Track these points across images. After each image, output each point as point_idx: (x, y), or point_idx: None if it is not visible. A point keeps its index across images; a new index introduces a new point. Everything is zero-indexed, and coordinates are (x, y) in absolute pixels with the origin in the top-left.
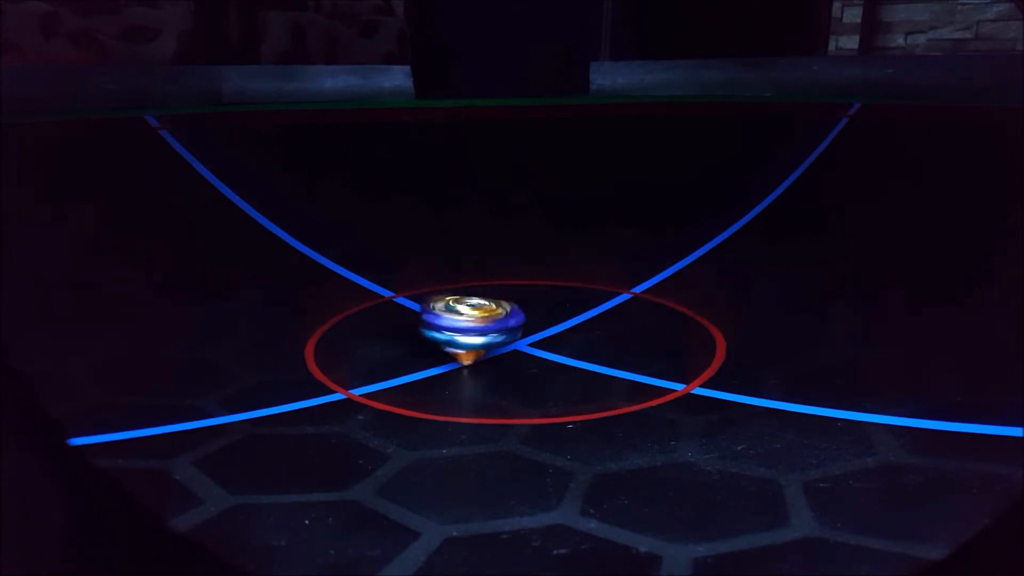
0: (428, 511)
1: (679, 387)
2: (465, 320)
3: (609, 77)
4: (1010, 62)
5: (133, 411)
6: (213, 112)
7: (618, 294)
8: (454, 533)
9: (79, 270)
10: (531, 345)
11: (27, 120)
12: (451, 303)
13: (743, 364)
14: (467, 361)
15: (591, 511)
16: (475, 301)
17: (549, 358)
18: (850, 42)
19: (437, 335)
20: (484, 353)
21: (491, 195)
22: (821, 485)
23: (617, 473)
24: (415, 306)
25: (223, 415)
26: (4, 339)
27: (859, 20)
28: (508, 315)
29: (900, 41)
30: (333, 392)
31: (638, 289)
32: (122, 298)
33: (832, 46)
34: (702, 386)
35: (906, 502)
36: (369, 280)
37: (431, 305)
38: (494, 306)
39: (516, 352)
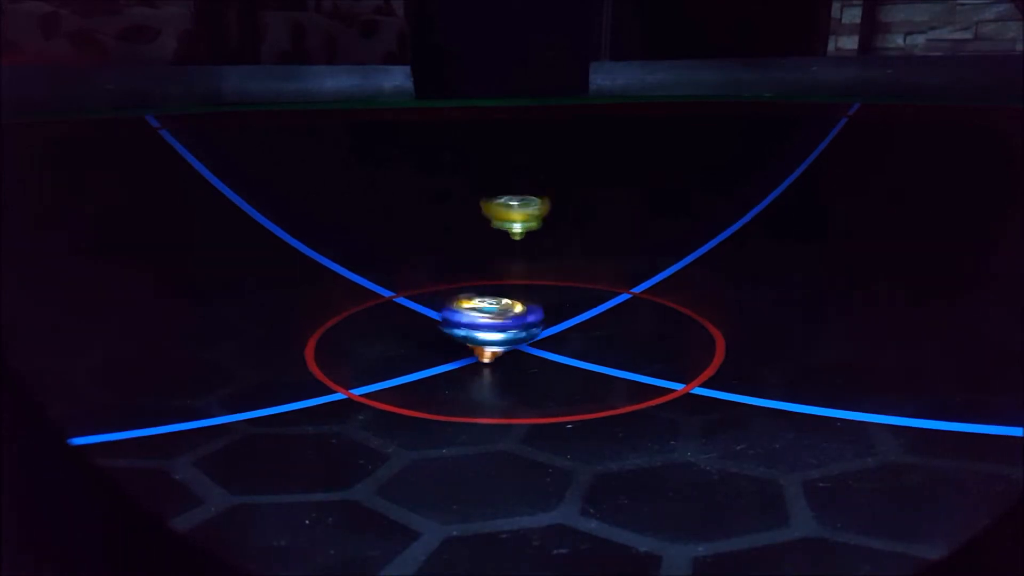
0: (428, 511)
1: (679, 387)
2: (485, 317)
3: (609, 77)
4: (1010, 62)
5: (133, 411)
6: (213, 112)
7: (618, 294)
8: (454, 533)
9: (79, 270)
10: (531, 345)
11: (27, 120)
12: (472, 302)
13: (743, 364)
14: (486, 358)
15: (591, 511)
16: (493, 299)
17: (549, 358)
18: (849, 42)
19: (457, 331)
20: (501, 352)
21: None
22: (821, 485)
23: (617, 473)
24: (415, 306)
25: (223, 415)
26: (4, 339)
27: (858, 20)
28: (526, 312)
29: (899, 41)
30: (333, 392)
31: (638, 289)
32: (122, 298)
33: (831, 46)
34: (702, 386)
35: (906, 502)
36: (369, 280)
37: (452, 304)
38: (512, 303)
39: (516, 352)
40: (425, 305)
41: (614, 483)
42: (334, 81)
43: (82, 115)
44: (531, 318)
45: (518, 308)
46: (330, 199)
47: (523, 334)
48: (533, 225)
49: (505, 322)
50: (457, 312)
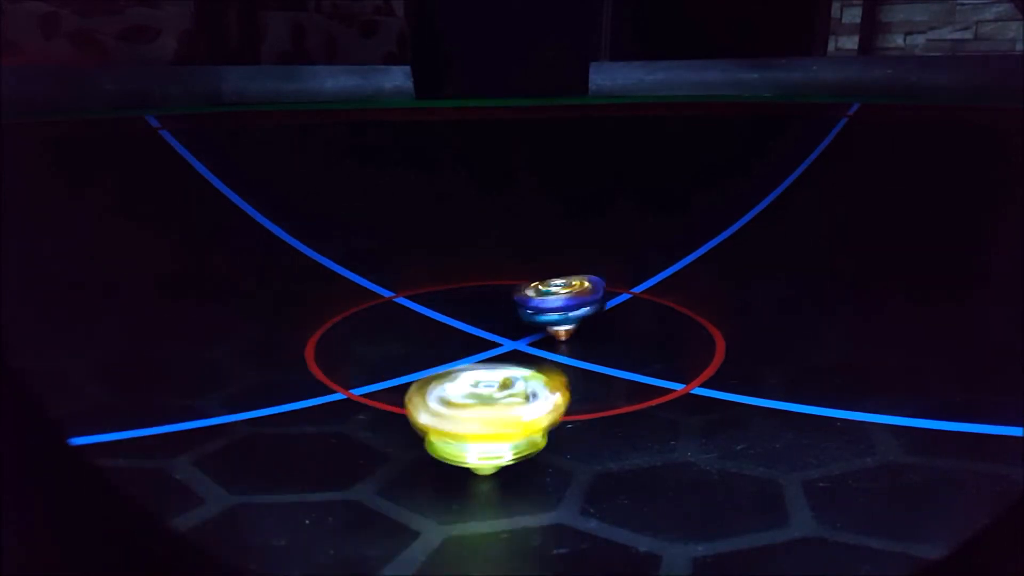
0: (428, 511)
1: (679, 387)
2: (563, 298)
3: (609, 77)
4: (1010, 62)
5: (133, 411)
6: (213, 112)
7: (618, 294)
8: (454, 533)
9: (79, 270)
10: (531, 345)
11: (27, 120)
12: (541, 287)
13: (743, 364)
14: (563, 337)
15: (591, 511)
16: (560, 281)
17: (549, 358)
18: (850, 42)
19: (547, 317)
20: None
21: (490, 195)
22: (821, 485)
23: (617, 473)
24: (415, 306)
25: (223, 415)
26: (4, 339)
27: (859, 20)
28: (594, 288)
29: (899, 41)
30: (333, 392)
31: (638, 289)
32: (122, 298)
33: (832, 46)
34: (702, 386)
35: (906, 502)
36: (369, 280)
37: (524, 292)
38: (577, 283)
39: (516, 352)
40: (425, 305)
41: (614, 483)
42: (334, 81)
43: (82, 115)
44: (600, 292)
45: (585, 284)
46: (330, 199)
47: (601, 306)
48: None
49: (588, 298)
50: (541, 299)
